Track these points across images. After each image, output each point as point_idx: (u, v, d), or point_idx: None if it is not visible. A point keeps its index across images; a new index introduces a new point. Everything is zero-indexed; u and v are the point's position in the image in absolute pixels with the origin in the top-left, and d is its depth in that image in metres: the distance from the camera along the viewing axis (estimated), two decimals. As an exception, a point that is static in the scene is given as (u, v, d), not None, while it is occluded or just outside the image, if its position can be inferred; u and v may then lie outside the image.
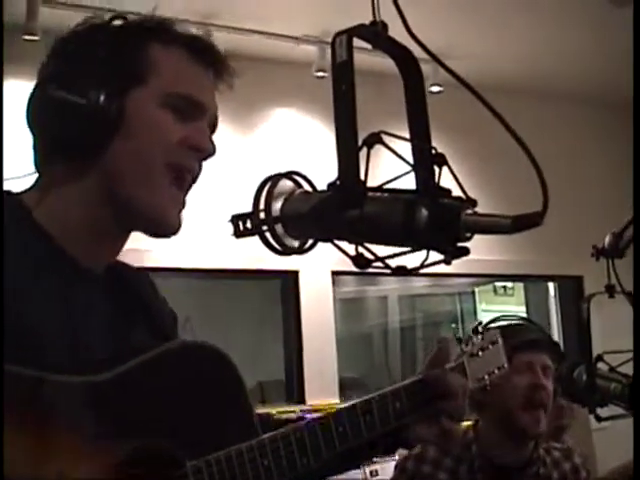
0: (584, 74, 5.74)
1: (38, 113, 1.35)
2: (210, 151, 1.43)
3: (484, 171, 5.51)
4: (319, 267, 5.17)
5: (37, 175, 1.41)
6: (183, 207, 1.43)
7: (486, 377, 1.81)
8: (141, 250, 4.85)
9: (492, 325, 2.00)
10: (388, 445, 1.64)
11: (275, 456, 1.37)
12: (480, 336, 1.84)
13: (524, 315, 6.45)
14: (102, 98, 1.32)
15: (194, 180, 1.44)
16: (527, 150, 0.98)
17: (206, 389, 1.36)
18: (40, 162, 1.41)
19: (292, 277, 5.20)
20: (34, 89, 1.37)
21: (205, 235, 4.78)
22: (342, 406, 1.52)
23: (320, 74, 4.85)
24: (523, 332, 2.49)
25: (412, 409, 1.60)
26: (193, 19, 4.60)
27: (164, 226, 1.41)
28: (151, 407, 1.30)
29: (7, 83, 4.40)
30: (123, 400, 1.28)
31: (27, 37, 4.20)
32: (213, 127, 1.47)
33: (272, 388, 5.74)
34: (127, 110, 1.35)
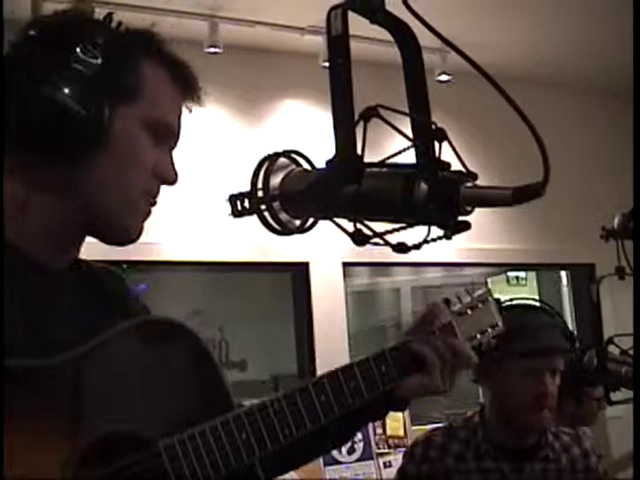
0: (591, 62, 5.70)
1: (17, 103, 1.29)
2: (174, 180, 1.43)
3: (485, 156, 5.48)
4: (330, 258, 5.15)
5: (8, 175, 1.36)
6: (147, 217, 1.42)
7: (478, 336, 1.76)
8: (151, 243, 4.88)
9: (485, 289, 1.94)
10: (378, 410, 1.61)
11: (254, 428, 1.33)
12: (468, 296, 1.80)
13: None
14: (93, 107, 1.29)
15: (154, 204, 1.43)
16: (530, 124, 0.96)
17: (171, 364, 1.33)
18: (10, 152, 1.34)
19: (303, 269, 5.18)
20: (14, 71, 1.30)
21: (215, 228, 4.78)
22: (322, 374, 1.48)
23: (327, 64, 4.82)
24: (534, 335, 2.46)
25: (399, 372, 1.57)
26: (201, 11, 4.60)
27: (129, 238, 1.40)
28: (116, 387, 1.26)
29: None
30: (84, 382, 1.24)
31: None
32: (175, 146, 1.45)
33: (285, 381, 5.74)
34: (114, 125, 1.32)
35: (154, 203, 1.42)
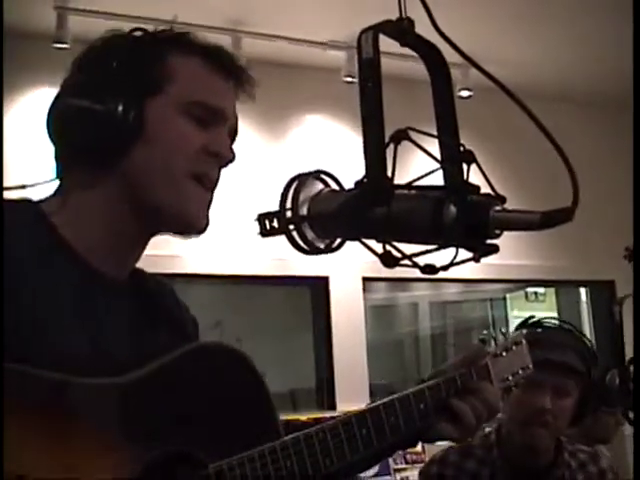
0: (605, 78, 5.70)
1: (59, 121, 1.36)
2: (230, 157, 1.43)
3: (514, 174, 5.47)
4: (349, 273, 5.15)
5: (58, 183, 1.41)
6: (209, 206, 1.43)
7: (510, 378, 1.81)
8: (172, 256, 4.89)
9: (523, 328, 1.98)
10: (410, 440, 1.63)
11: (298, 458, 1.36)
12: (503, 337, 1.85)
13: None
14: (120, 105, 1.33)
15: (214, 187, 1.44)
16: (558, 147, 0.96)
17: (226, 390, 1.36)
18: (61, 171, 1.41)
19: (322, 283, 5.19)
20: (55, 99, 1.38)
21: (236, 241, 4.79)
22: (365, 407, 1.51)
23: (349, 79, 4.84)
24: (543, 349, 2.44)
25: (436, 409, 1.60)
26: (222, 26, 4.62)
27: (192, 225, 1.41)
28: (171, 410, 1.29)
29: (39, 91, 4.44)
30: (143, 403, 1.27)
31: (57, 45, 4.25)
32: (233, 135, 1.47)
33: (303, 395, 5.72)
34: (147, 117, 1.35)
35: (211, 182, 1.42)
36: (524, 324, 2.47)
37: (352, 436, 1.45)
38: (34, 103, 4.47)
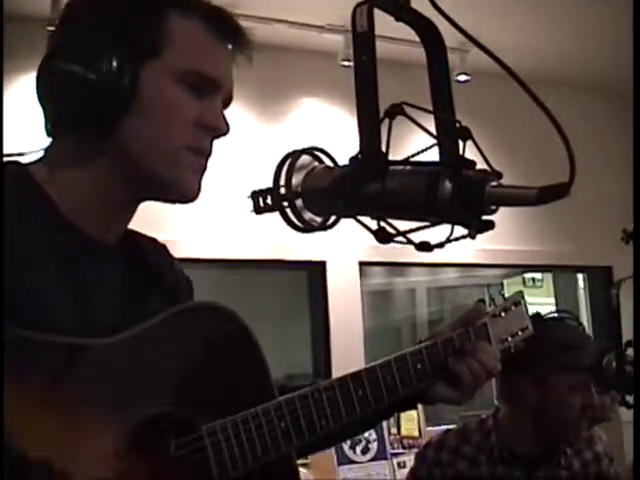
0: (608, 63, 5.68)
1: (48, 85, 1.31)
2: (224, 130, 1.39)
3: (504, 156, 5.46)
4: (346, 258, 5.15)
5: (46, 149, 1.38)
6: (203, 174, 1.40)
7: (509, 338, 1.80)
8: (167, 241, 4.85)
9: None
10: (408, 401, 1.63)
11: (293, 418, 1.35)
12: (502, 299, 1.83)
13: (553, 307, 6.42)
14: (115, 69, 1.27)
15: (208, 157, 1.40)
16: (556, 123, 0.95)
17: (218, 352, 1.34)
18: (50, 136, 1.37)
19: (319, 268, 5.18)
20: (45, 59, 1.32)
21: (232, 226, 4.78)
22: (361, 368, 1.50)
23: (346, 63, 4.83)
24: (582, 350, 2.44)
25: (434, 370, 1.59)
26: (218, 9, 4.59)
27: (186, 194, 1.38)
28: (162, 371, 1.27)
29: (33, 75, 4.41)
30: (131, 365, 1.25)
31: (51, 28, 4.19)
32: (227, 102, 1.43)
33: (300, 380, 5.72)
34: (142, 84, 1.30)
35: (205, 155, 1.39)
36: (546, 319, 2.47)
37: (348, 396, 1.44)
38: (27, 87, 4.44)
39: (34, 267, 1.24)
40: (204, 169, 1.39)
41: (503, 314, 1.80)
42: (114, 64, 1.27)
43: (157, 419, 1.25)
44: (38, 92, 1.33)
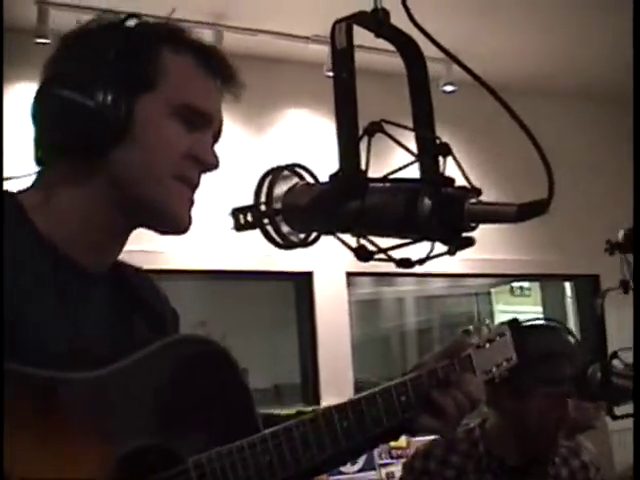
0: (592, 71, 5.70)
1: (45, 112, 1.33)
2: (214, 164, 1.42)
3: (491, 167, 5.48)
4: (334, 268, 5.14)
5: (36, 175, 1.39)
6: (192, 206, 1.42)
7: (494, 369, 1.79)
8: (154, 252, 4.86)
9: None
10: (392, 432, 1.62)
11: (277, 451, 1.35)
12: (487, 330, 1.83)
13: (541, 315, 6.43)
14: (111, 100, 1.30)
15: (195, 189, 1.42)
16: (532, 137, 0.95)
17: (204, 384, 1.34)
18: (42, 162, 1.39)
19: (306, 278, 5.18)
20: (42, 85, 1.34)
21: (219, 237, 4.77)
22: (346, 400, 1.49)
23: (331, 74, 4.81)
24: (561, 362, 2.44)
25: (418, 402, 1.58)
26: (205, 20, 4.59)
27: (175, 224, 1.40)
28: (148, 403, 1.28)
29: (18, 86, 4.41)
30: (120, 396, 1.26)
31: (38, 40, 4.21)
32: (217, 136, 1.46)
33: (288, 390, 5.72)
34: (136, 115, 1.33)
35: (193, 187, 1.41)
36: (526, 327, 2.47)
37: (333, 429, 1.44)
38: (14, 99, 4.44)
39: (20, 295, 1.24)
40: (192, 202, 1.41)
41: (487, 345, 1.79)
42: (111, 95, 1.30)
43: (143, 451, 1.25)
44: (34, 116, 1.35)
